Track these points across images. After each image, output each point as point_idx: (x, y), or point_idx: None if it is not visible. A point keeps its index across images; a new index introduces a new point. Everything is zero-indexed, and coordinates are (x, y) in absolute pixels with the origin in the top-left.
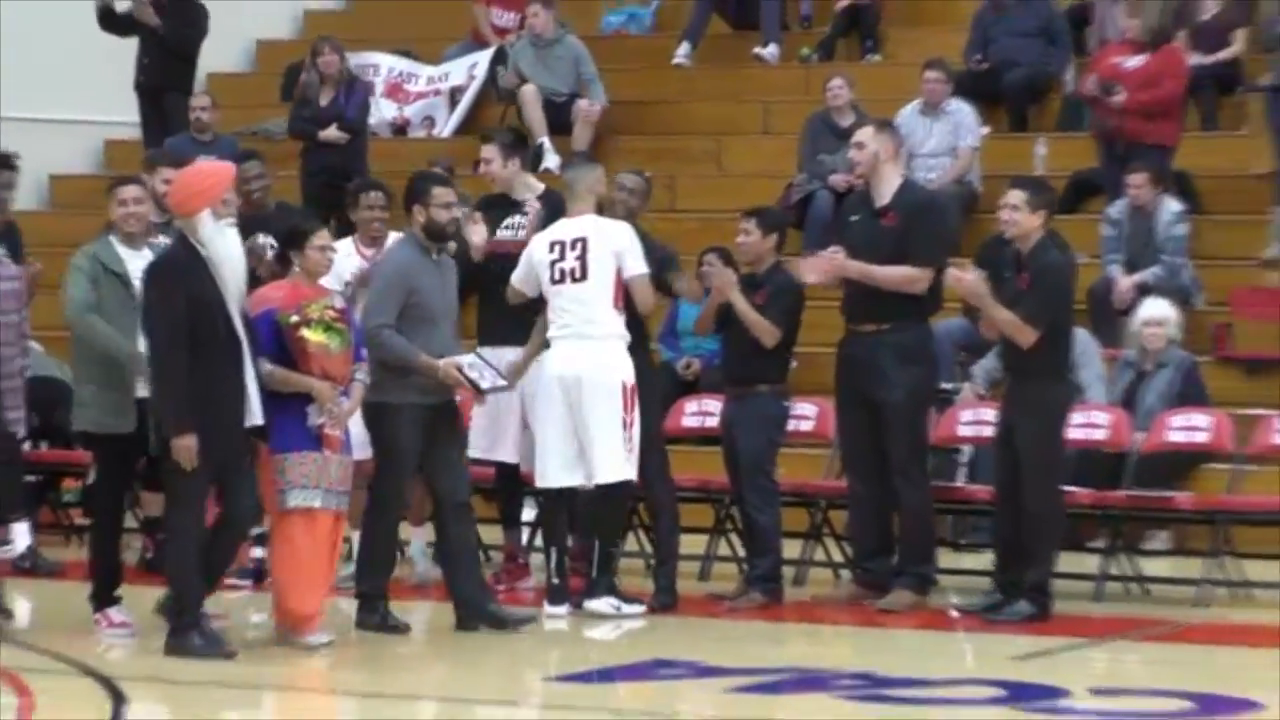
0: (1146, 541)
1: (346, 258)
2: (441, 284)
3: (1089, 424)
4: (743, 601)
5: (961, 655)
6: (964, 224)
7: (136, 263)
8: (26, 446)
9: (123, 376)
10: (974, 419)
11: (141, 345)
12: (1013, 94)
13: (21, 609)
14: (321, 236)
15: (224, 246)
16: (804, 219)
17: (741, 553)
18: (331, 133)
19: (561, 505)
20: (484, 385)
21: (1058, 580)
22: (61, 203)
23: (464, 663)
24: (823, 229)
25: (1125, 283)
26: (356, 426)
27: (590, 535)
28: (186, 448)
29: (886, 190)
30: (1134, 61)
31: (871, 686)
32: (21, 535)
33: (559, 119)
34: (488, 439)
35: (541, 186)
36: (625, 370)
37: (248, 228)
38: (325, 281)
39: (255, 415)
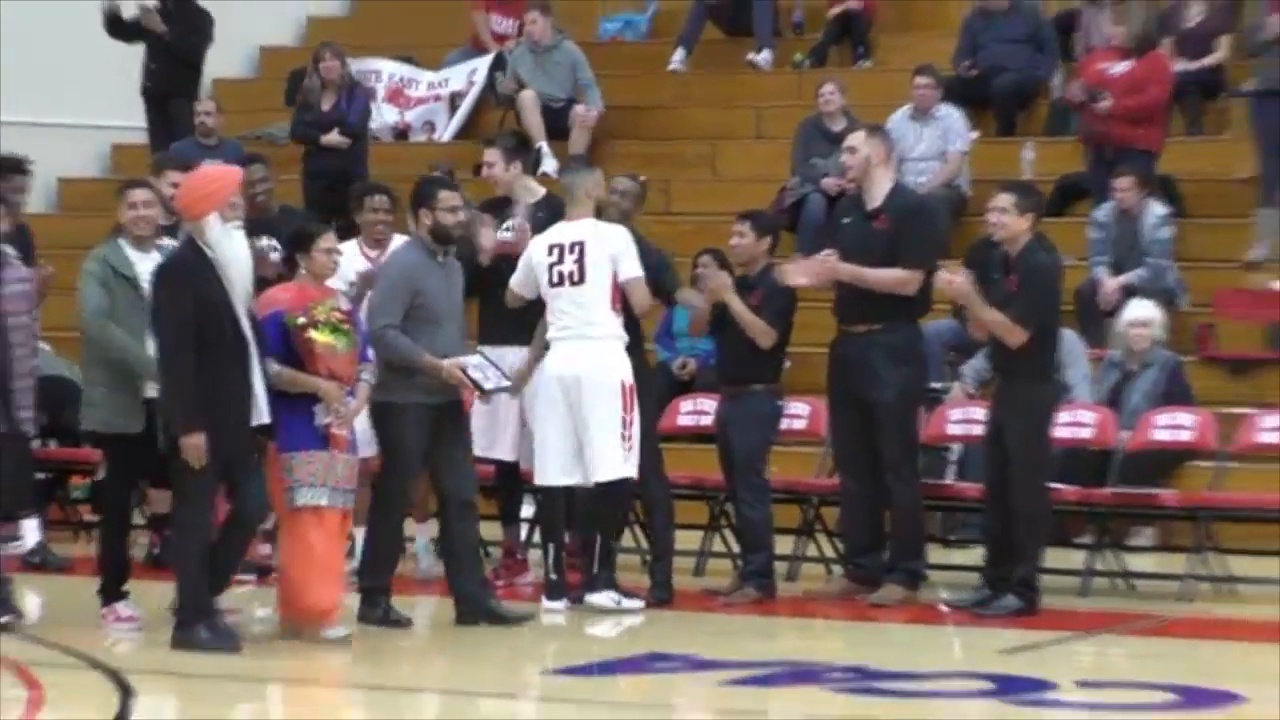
0: (1132, 538)
1: (351, 260)
2: (447, 286)
3: (1076, 423)
4: (737, 596)
5: (951, 649)
6: (953, 227)
7: (145, 265)
8: (35, 444)
9: (132, 379)
10: (963, 418)
11: (150, 345)
12: (1001, 99)
13: (31, 604)
14: (328, 240)
15: (231, 249)
16: (797, 222)
17: (736, 548)
18: (333, 137)
19: (559, 503)
20: (487, 386)
21: (1045, 575)
22: (69, 205)
23: (464, 656)
24: (815, 232)
25: (1111, 284)
26: (360, 425)
27: (588, 531)
28: (195, 446)
29: (878, 194)
30: (1120, 68)
31: (863, 679)
32: (31, 531)
33: (556, 124)
34: (487, 438)
35: (542, 191)
36: (624, 370)
37: (251, 230)
38: (330, 281)
39: (261, 414)
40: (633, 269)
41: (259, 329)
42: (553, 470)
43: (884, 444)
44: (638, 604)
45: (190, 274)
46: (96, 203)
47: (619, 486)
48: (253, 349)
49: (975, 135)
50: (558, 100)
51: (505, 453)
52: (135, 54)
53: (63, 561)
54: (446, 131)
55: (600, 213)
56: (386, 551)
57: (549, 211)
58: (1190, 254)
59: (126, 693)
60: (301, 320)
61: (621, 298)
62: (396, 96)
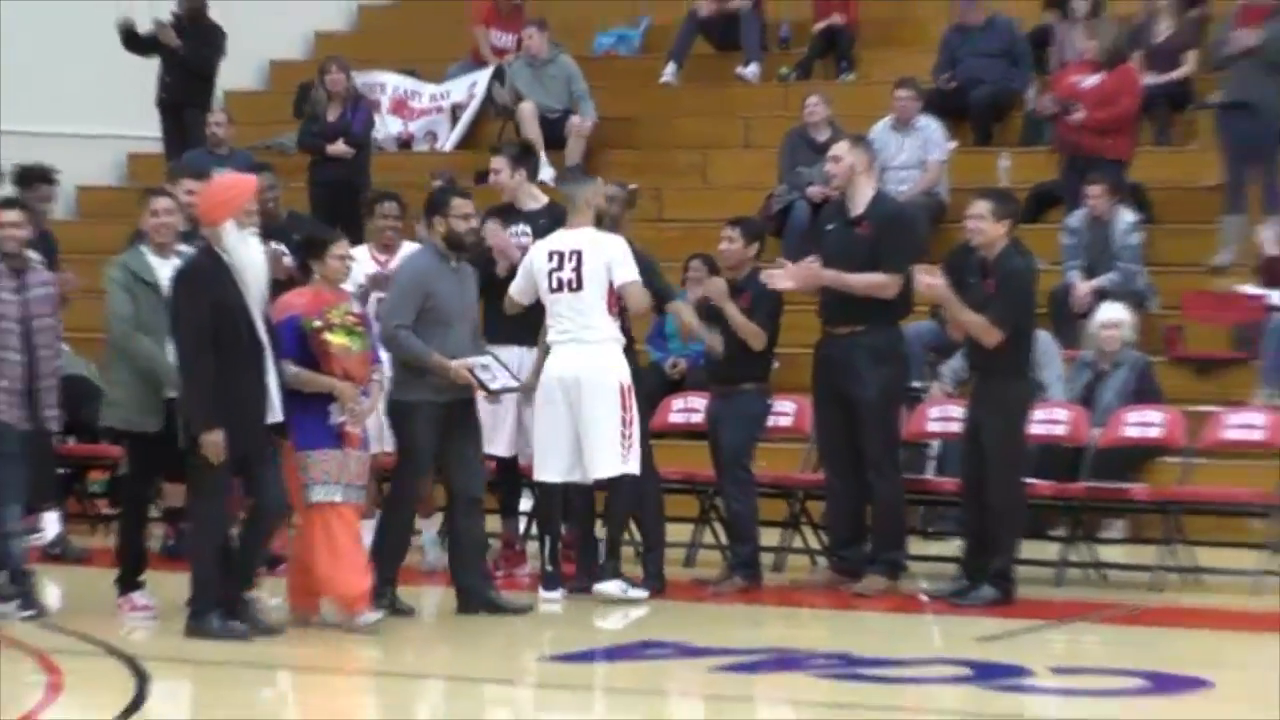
0: (1104, 530)
1: (363, 264)
2: (460, 289)
3: (1050, 420)
4: (725, 586)
5: (930, 637)
6: (933, 233)
7: (166, 270)
8: (55, 441)
9: (153, 380)
10: (942, 415)
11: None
12: (978, 111)
13: (50, 594)
14: (340, 246)
15: (247, 254)
16: (783, 228)
17: (725, 540)
18: (338, 147)
19: (556, 498)
20: (493, 386)
21: (1020, 566)
22: (88, 212)
23: (465, 644)
24: (800, 237)
25: (1083, 288)
26: (370, 422)
27: (584, 525)
28: (214, 443)
29: (860, 201)
30: (1091, 80)
31: (846, 666)
32: (52, 524)
33: (553, 134)
34: (484, 434)
35: (545, 198)
36: (622, 371)
37: (261, 236)
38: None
39: (276, 412)
40: (629, 274)
41: (274, 331)
42: (552, 468)
43: (866, 441)
44: (643, 593)
45: (208, 279)
46: (114, 209)
47: (624, 481)
48: (268, 350)
49: (953, 145)
50: (554, 111)
51: (502, 449)
52: (151, 67)
53: (81, 553)
54: (448, 141)
55: (600, 221)
56: (395, 544)
57: (551, 218)
58: (1159, 259)
59: (142, 678)
60: (317, 324)
61: (618, 301)
62: (400, 108)
